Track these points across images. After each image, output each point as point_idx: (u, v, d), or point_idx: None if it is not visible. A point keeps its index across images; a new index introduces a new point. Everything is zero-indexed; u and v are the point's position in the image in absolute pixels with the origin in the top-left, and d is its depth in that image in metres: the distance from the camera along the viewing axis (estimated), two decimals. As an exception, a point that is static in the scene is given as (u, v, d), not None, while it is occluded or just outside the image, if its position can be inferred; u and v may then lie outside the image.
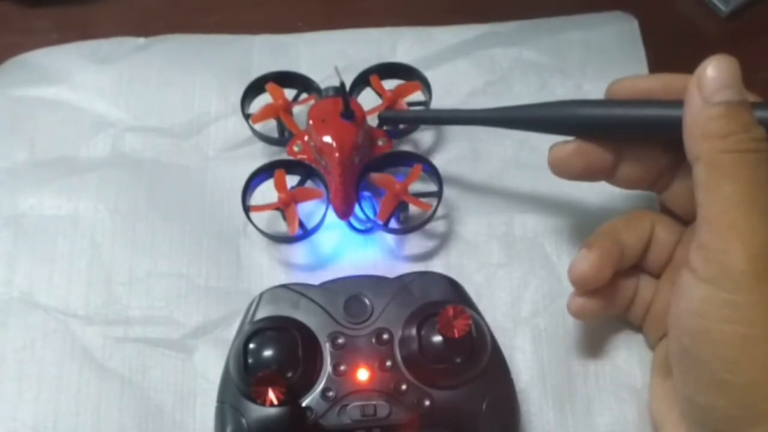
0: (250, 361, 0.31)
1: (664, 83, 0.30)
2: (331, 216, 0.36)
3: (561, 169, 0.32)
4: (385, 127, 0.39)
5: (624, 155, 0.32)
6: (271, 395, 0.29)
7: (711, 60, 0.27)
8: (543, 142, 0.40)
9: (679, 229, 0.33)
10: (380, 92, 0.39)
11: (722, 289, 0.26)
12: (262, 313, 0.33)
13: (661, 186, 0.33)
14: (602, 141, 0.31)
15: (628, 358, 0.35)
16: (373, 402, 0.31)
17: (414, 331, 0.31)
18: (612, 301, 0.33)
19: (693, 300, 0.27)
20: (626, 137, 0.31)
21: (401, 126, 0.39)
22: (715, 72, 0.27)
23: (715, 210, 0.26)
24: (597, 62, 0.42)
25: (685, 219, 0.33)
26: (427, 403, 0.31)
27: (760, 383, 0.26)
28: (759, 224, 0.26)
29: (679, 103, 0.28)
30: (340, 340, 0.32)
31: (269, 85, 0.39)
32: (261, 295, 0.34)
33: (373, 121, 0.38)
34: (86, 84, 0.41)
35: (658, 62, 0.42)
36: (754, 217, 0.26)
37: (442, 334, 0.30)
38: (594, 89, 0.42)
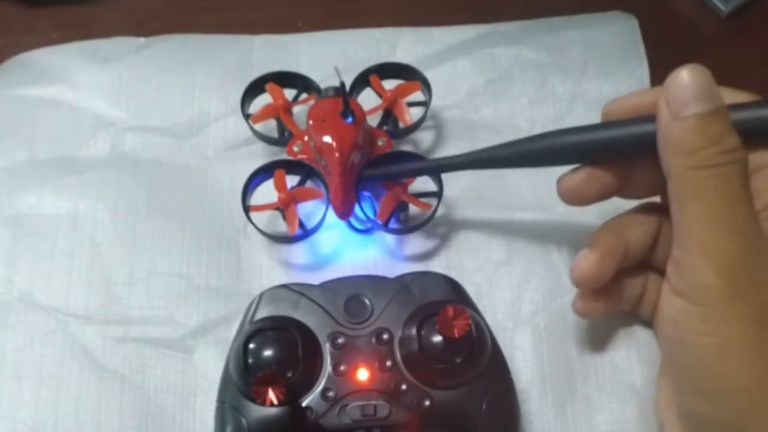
0: (250, 361, 0.31)
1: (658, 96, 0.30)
2: (331, 216, 0.36)
3: (573, 198, 0.32)
4: (385, 127, 0.39)
5: (632, 171, 0.31)
6: (271, 395, 0.29)
7: (679, 71, 0.27)
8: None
9: None
10: (380, 92, 0.39)
11: (696, 302, 0.27)
12: (262, 313, 0.33)
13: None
14: (610, 163, 0.31)
15: (628, 358, 0.35)
16: (373, 402, 0.31)
17: (414, 331, 0.31)
18: (617, 300, 0.33)
19: (671, 311, 0.28)
20: (634, 157, 0.31)
21: (401, 127, 0.39)
22: (682, 83, 0.26)
23: (685, 226, 0.27)
24: (597, 60, 0.42)
25: None
26: (427, 403, 0.31)
27: (740, 391, 0.26)
28: (724, 240, 0.26)
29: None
30: (340, 340, 0.32)
31: (269, 85, 0.39)
32: (261, 295, 0.34)
33: (373, 121, 0.38)
34: (86, 84, 0.41)
35: (658, 62, 0.42)
36: (720, 233, 0.26)
37: (442, 334, 0.30)
38: (594, 87, 0.42)
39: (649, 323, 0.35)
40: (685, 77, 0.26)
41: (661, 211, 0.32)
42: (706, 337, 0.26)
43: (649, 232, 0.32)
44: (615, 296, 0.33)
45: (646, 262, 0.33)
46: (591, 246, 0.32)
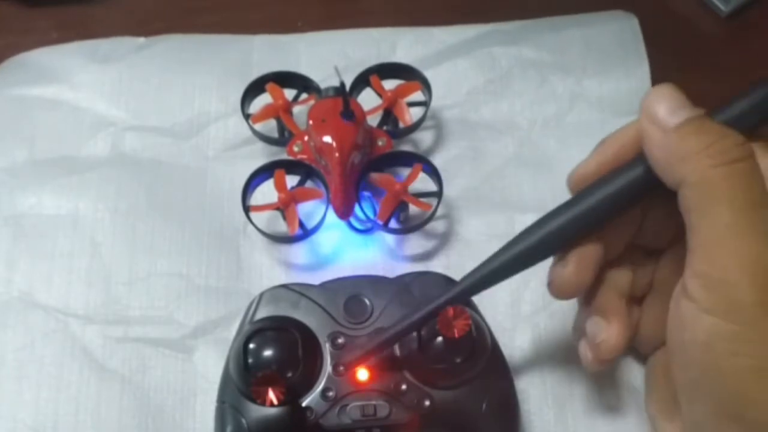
0: (250, 361, 0.31)
1: (611, 150, 0.29)
2: (331, 216, 0.36)
3: (572, 291, 0.30)
4: (385, 127, 0.39)
5: (608, 234, 0.30)
6: (271, 395, 0.29)
7: (653, 90, 0.27)
8: (543, 139, 0.40)
9: (650, 259, 0.32)
10: (380, 92, 0.39)
11: (729, 321, 0.24)
12: (262, 313, 0.33)
13: (636, 235, 0.31)
14: (588, 240, 0.29)
15: (628, 357, 0.35)
16: (373, 402, 0.31)
17: (414, 331, 0.31)
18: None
19: (698, 332, 0.25)
20: (613, 219, 0.29)
21: (401, 127, 0.39)
22: (662, 99, 0.26)
23: (712, 236, 0.24)
24: (597, 59, 0.42)
25: (656, 251, 0.32)
26: (427, 403, 0.31)
27: None
28: (762, 249, 0.24)
29: (632, 163, 0.27)
30: (340, 340, 0.32)
31: (269, 85, 0.39)
32: (261, 295, 0.34)
33: (373, 120, 0.38)
34: (86, 84, 0.41)
35: (658, 62, 0.42)
36: (757, 242, 0.24)
37: (442, 334, 0.30)
38: (594, 86, 0.42)
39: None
40: (662, 92, 0.26)
41: (626, 252, 0.31)
42: (742, 358, 0.24)
43: (629, 273, 0.31)
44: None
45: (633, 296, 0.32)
46: (604, 315, 0.30)
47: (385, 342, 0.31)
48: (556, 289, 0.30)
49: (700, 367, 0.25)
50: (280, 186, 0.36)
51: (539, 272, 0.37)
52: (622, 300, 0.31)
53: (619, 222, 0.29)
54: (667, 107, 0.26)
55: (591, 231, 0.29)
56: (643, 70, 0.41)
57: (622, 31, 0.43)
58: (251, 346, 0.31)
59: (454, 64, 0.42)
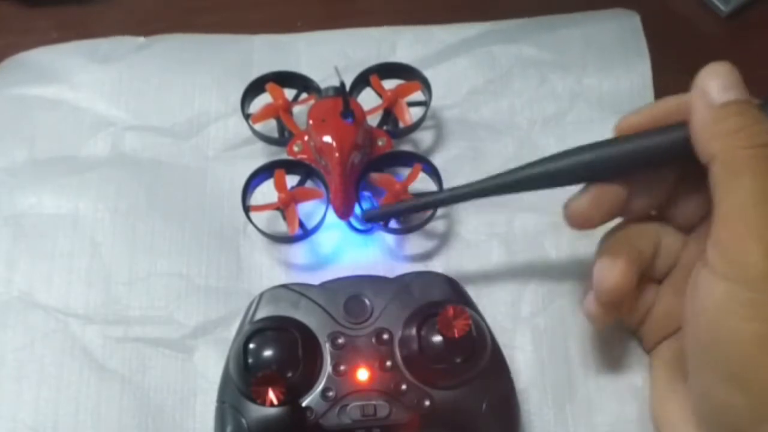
0: (250, 361, 0.31)
1: (666, 109, 0.30)
2: (331, 216, 0.36)
3: (581, 222, 0.32)
4: (385, 127, 0.39)
5: (635, 188, 0.31)
6: (271, 395, 0.29)
7: (711, 65, 0.28)
8: (543, 139, 0.40)
9: (682, 236, 0.32)
10: (380, 92, 0.39)
11: (743, 287, 0.26)
12: (262, 313, 0.33)
13: (669, 206, 0.32)
14: (613, 182, 0.31)
15: (629, 357, 0.35)
16: (373, 402, 0.31)
17: (414, 331, 0.31)
18: (630, 310, 0.33)
19: (713, 297, 0.26)
20: (640, 171, 0.31)
21: (401, 127, 0.39)
22: (717, 75, 0.27)
23: (733, 208, 0.26)
24: (597, 57, 0.42)
25: (686, 228, 0.32)
26: (427, 403, 0.31)
27: None
28: None
29: (677, 127, 0.29)
30: (340, 340, 0.32)
31: (269, 85, 0.39)
32: (261, 295, 0.34)
33: (373, 120, 0.38)
34: (86, 83, 0.41)
35: (658, 62, 0.42)
36: None
37: (442, 334, 0.30)
38: (594, 84, 0.42)
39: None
40: (719, 70, 0.28)
41: (657, 224, 0.33)
42: (752, 323, 0.25)
43: (653, 241, 0.32)
44: (627, 307, 0.33)
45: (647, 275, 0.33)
46: (612, 256, 0.31)
47: (403, 209, 0.35)
48: (569, 213, 0.32)
49: (711, 333, 0.27)
50: (280, 186, 0.36)
51: (539, 273, 0.37)
52: (634, 253, 0.31)
53: (649, 181, 0.31)
54: (719, 84, 0.27)
55: (618, 173, 0.30)
56: (645, 68, 0.41)
57: (623, 29, 0.43)
58: (251, 346, 0.31)
59: (454, 64, 0.42)
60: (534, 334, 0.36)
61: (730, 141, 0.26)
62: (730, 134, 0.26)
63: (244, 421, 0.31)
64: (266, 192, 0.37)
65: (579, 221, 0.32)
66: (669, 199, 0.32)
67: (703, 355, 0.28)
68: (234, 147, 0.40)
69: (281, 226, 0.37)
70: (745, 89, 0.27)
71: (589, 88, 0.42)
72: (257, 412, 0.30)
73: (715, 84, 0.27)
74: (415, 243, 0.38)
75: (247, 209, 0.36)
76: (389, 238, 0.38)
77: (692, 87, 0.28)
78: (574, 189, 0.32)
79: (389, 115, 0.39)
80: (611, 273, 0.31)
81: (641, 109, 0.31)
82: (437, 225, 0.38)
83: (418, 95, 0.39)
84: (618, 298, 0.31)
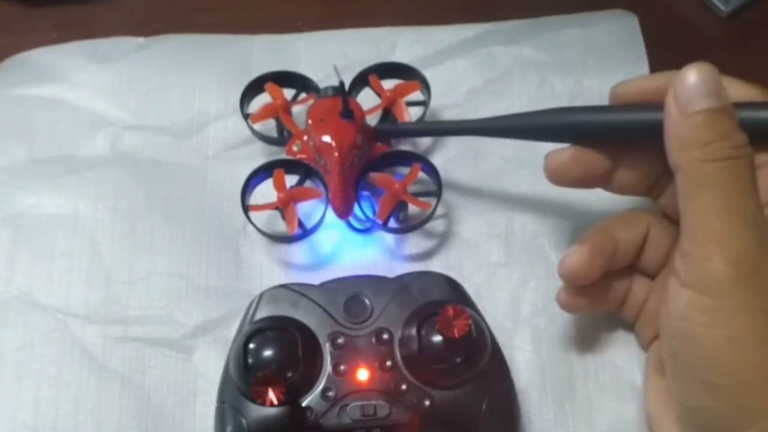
0: (250, 361, 0.31)
1: (668, 81, 0.30)
2: (331, 216, 0.36)
3: (558, 176, 0.32)
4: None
5: (621, 161, 0.32)
6: (271, 395, 0.29)
7: (687, 69, 0.27)
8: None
9: (675, 231, 0.32)
10: (379, 92, 0.39)
11: (705, 294, 0.26)
12: (262, 313, 0.33)
13: (657, 192, 0.33)
14: (599, 147, 0.31)
15: (629, 357, 0.35)
16: (373, 402, 0.31)
17: (414, 331, 0.31)
18: (601, 299, 0.33)
19: (678, 304, 0.27)
20: (625, 143, 0.31)
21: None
22: (691, 81, 0.27)
23: (696, 217, 0.27)
24: (597, 59, 0.42)
25: (677, 220, 0.33)
26: (427, 403, 0.31)
27: (748, 384, 0.26)
28: (737, 230, 0.26)
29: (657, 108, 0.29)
30: (340, 340, 0.32)
31: (268, 85, 0.39)
32: (261, 295, 0.34)
33: (372, 120, 0.38)
34: (86, 83, 0.41)
35: (658, 62, 0.42)
36: (733, 223, 0.26)
37: (442, 334, 0.30)
38: (594, 85, 0.42)
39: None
40: (694, 74, 0.27)
41: (649, 216, 0.33)
42: (715, 329, 0.26)
43: (638, 234, 0.32)
44: (600, 294, 0.33)
45: (633, 266, 0.33)
46: (581, 243, 0.32)
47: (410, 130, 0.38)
48: (548, 169, 0.32)
49: (679, 341, 0.27)
50: (280, 185, 0.36)
51: (539, 273, 0.37)
52: (608, 243, 0.32)
53: (636, 156, 0.31)
54: (692, 90, 0.27)
55: (599, 140, 0.31)
56: (643, 69, 0.41)
57: (622, 31, 0.43)
58: (251, 346, 0.31)
59: (453, 64, 0.42)
60: (534, 334, 0.36)
61: (696, 154, 0.26)
62: (697, 148, 0.26)
63: (244, 421, 0.31)
64: (266, 192, 0.37)
65: (556, 174, 0.32)
66: (657, 183, 0.32)
67: (674, 362, 0.28)
68: (233, 147, 0.40)
69: (281, 226, 0.37)
70: (722, 94, 0.27)
71: (589, 89, 0.42)
72: (257, 412, 0.30)
73: (689, 89, 0.27)
74: (415, 243, 0.38)
75: (246, 209, 0.36)
76: (389, 238, 0.38)
77: (670, 85, 0.27)
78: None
79: (388, 114, 0.39)
80: (573, 254, 0.32)
81: (648, 76, 0.31)
82: (437, 225, 0.38)
83: (417, 95, 0.39)
84: (577, 281, 0.32)
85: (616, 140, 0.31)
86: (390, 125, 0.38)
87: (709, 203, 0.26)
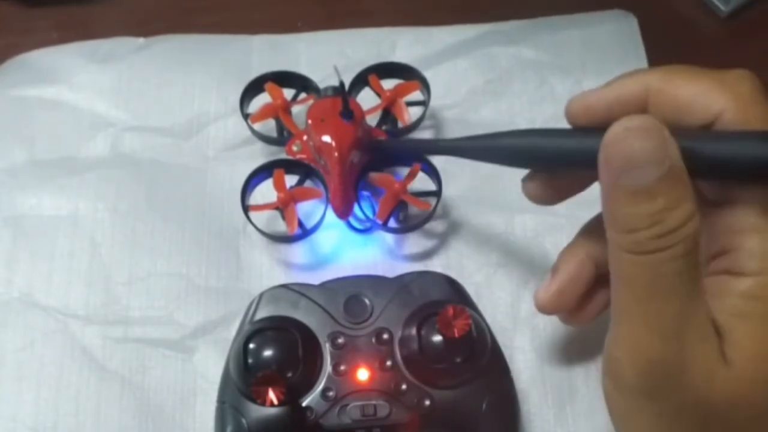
0: (250, 361, 0.31)
1: (617, 95, 0.26)
2: (331, 215, 0.36)
3: (541, 201, 0.30)
4: (384, 127, 0.39)
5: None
6: (271, 395, 0.29)
7: (615, 128, 0.22)
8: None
9: None
10: (379, 92, 0.39)
11: (618, 391, 0.25)
12: (262, 313, 0.33)
13: None
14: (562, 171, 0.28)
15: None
16: (373, 402, 0.31)
17: (414, 331, 0.31)
18: (578, 316, 0.32)
19: (604, 390, 0.26)
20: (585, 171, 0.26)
21: (400, 127, 0.39)
22: (620, 145, 0.22)
23: (613, 310, 0.24)
24: (596, 59, 0.42)
25: None
26: (427, 403, 0.31)
27: None
28: (647, 342, 0.23)
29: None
30: (340, 340, 0.32)
31: (268, 85, 0.39)
32: (261, 295, 0.34)
33: (372, 120, 0.38)
34: (86, 84, 0.41)
35: (657, 62, 0.42)
36: (643, 333, 0.23)
37: (442, 334, 0.30)
38: (593, 85, 0.41)
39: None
40: (626, 136, 0.22)
41: None
42: (629, 426, 0.25)
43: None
44: (575, 312, 0.31)
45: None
46: (553, 272, 0.30)
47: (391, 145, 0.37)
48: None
49: (611, 417, 0.27)
50: (280, 185, 0.36)
51: (539, 273, 0.37)
52: (584, 266, 0.30)
53: None
54: (623, 157, 0.22)
55: (558, 168, 0.28)
56: (641, 66, 0.41)
57: (621, 31, 0.43)
58: (251, 346, 0.31)
59: (453, 64, 0.42)
60: (534, 334, 0.36)
61: (617, 239, 0.23)
62: (618, 231, 0.23)
63: (244, 421, 0.31)
64: (265, 192, 0.37)
65: (533, 200, 0.30)
66: None
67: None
68: (233, 147, 0.40)
69: (281, 226, 0.37)
70: (662, 155, 0.21)
71: (589, 89, 0.41)
72: (257, 412, 0.30)
73: (619, 155, 0.22)
74: (415, 243, 0.38)
75: (246, 209, 0.36)
76: (389, 238, 0.38)
77: (603, 139, 0.22)
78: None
79: (388, 114, 0.39)
80: (544, 292, 0.30)
81: (597, 90, 0.27)
82: (437, 225, 0.38)
83: (416, 95, 0.39)
84: (552, 314, 0.31)
85: (576, 169, 0.27)
86: (377, 141, 0.37)
87: (622, 302, 0.23)
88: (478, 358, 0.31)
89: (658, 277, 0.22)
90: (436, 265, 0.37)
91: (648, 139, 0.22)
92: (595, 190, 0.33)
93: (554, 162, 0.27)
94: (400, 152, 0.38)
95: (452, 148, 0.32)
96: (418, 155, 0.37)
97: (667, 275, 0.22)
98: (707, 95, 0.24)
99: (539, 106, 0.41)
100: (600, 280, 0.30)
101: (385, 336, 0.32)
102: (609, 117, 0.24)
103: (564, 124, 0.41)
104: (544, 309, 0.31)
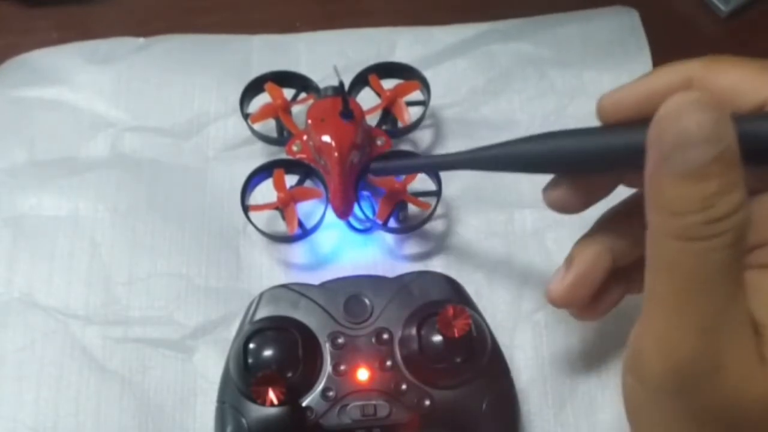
0: (250, 361, 0.31)
1: (653, 88, 0.25)
2: (330, 215, 0.36)
3: (561, 209, 0.28)
4: (384, 127, 0.39)
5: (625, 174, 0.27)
6: (271, 395, 0.29)
7: (672, 101, 0.20)
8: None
9: None
10: (379, 92, 0.39)
11: (640, 388, 0.23)
12: (262, 313, 0.33)
13: None
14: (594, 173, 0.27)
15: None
16: (373, 402, 0.31)
17: (414, 331, 0.31)
18: (590, 311, 0.30)
19: (623, 385, 0.25)
20: (622, 170, 0.26)
21: (400, 126, 0.39)
22: (673, 121, 0.20)
23: (645, 300, 0.23)
24: (596, 53, 0.42)
25: None
26: (427, 403, 0.31)
27: None
28: (680, 341, 0.21)
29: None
30: (340, 340, 0.32)
31: (268, 85, 0.39)
32: (261, 295, 0.34)
33: (372, 120, 0.38)
34: (86, 84, 0.41)
35: (657, 63, 0.42)
36: (678, 331, 0.21)
37: (442, 334, 0.30)
38: (594, 78, 0.41)
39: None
40: (683, 111, 0.20)
41: None
42: (645, 418, 0.24)
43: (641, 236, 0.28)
44: (590, 306, 0.30)
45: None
46: (567, 264, 0.29)
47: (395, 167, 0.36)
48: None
49: (628, 415, 0.25)
50: (279, 185, 0.36)
51: (539, 271, 0.37)
52: (602, 256, 0.28)
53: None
54: (676, 134, 0.20)
55: (589, 170, 0.27)
56: (646, 63, 0.41)
57: (622, 27, 0.43)
58: (251, 346, 0.31)
59: (453, 64, 0.42)
60: (534, 332, 0.36)
61: (659, 223, 0.21)
62: (663, 215, 0.21)
63: (244, 421, 0.31)
64: (265, 192, 0.37)
65: (556, 208, 0.28)
66: None
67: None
68: (233, 147, 0.40)
69: (281, 226, 0.37)
70: (718, 134, 0.20)
71: (589, 81, 0.41)
72: (257, 412, 0.30)
73: (672, 132, 0.20)
74: (415, 243, 0.38)
75: (246, 209, 0.36)
76: (388, 238, 0.38)
77: (656, 114, 0.21)
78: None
79: (388, 114, 0.39)
80: (559, 284, 0.29)
81: (629, 85, 0.25)
82: (437, 225, 0.38)
83: (416, 95, 0.39)
84: (565, 308, 0.29)
85: (610, 170, 0.26)
86: (383, 163, 0.36)
87: (659, 292, 0.22)
88: (478, 358, 0.31)
89: (704, 266, 0.20)
90: (436, 265, 0.37)
91: (707, 114, 0.20)
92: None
93: (584, 163, 0.26)
94: (409, 172, 0.36)
95: (467, 161, 0.30)
96: (429, 172, 0.36)
97: (713, 265, 0.20)
98: (754, 81, 0.23)
99: (540, 101, 0.41)
100: (615, 274, 0.29)
101: (385, 336, 0.32)
102: (643, 112, 0.23)
103: (564, 118, 0.41)
104: (556, 302, 0.29)
